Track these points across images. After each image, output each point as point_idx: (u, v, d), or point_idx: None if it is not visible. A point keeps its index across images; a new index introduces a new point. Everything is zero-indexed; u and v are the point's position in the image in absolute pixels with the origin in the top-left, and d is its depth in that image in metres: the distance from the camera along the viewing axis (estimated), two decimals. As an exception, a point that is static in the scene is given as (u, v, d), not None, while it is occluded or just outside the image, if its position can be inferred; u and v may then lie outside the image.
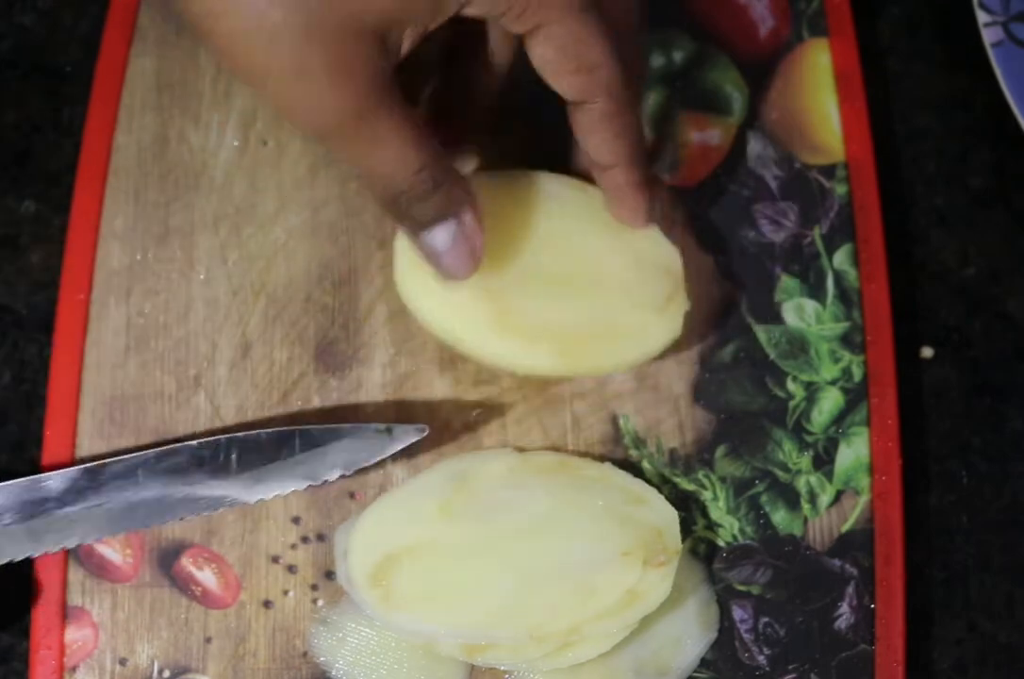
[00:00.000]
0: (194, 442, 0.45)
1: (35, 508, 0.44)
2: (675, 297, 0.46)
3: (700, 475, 0.48)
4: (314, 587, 0.47)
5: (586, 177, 0.46)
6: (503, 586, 0.44)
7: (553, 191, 0.46)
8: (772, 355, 0.49)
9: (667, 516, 0.45)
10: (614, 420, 0.48)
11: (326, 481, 0.45)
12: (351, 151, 0.38)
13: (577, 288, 0.46)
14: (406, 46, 0.36)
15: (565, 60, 0.37)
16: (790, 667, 0.46)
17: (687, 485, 0.48)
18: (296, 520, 0.47)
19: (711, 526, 0.48)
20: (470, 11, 0.36)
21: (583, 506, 0.45)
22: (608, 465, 0.47)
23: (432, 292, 0.46)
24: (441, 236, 0.40)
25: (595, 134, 0.40)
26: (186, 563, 0.47)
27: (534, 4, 0.35)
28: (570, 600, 0.44)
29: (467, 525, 0.45)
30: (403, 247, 0.47)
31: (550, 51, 0.37)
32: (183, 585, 0.47)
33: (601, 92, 0.38)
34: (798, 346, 0.49)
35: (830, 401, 0.49)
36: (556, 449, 0.48)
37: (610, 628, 0.44)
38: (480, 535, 0.45)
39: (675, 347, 0.47)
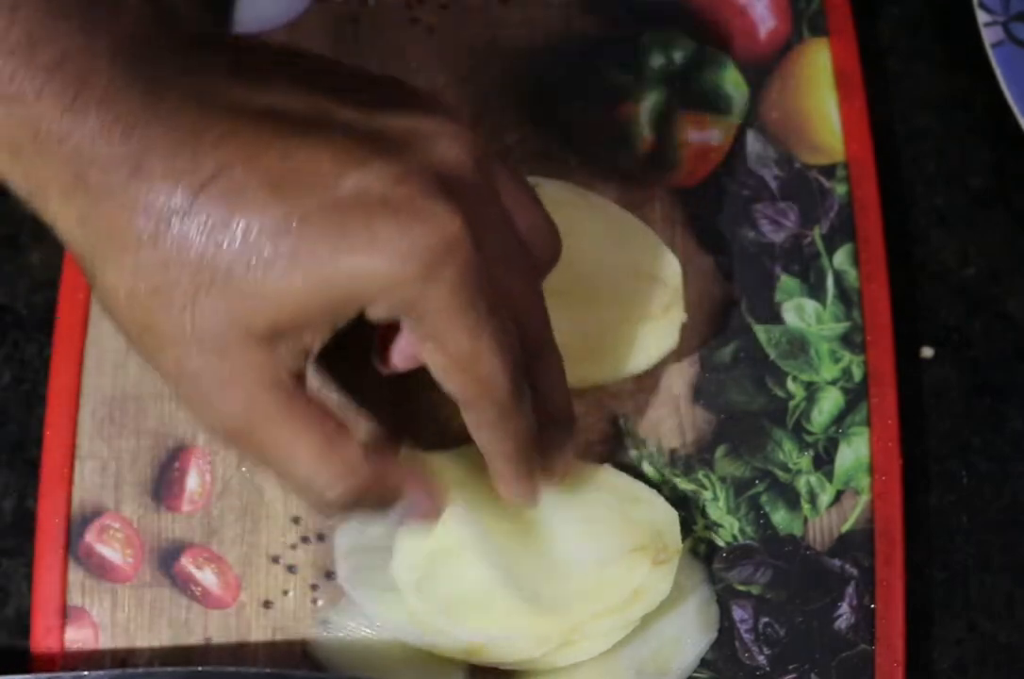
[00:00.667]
0: None
1: None
2: (672, 308, 0.46)
3: (700, 475, 0.48)
4: (314, 587, 0.47)
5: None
6: (507, 587, 0.44)
7: (553, 197, 0.46)
8: (772, 355, 0.49)
9: (667, 516, 0.45)
10: (614, 420, 0.48)
11: None
12: (258, 460, 0.36)
13: (574, 298, 0.46)
14: (315, 345, 0.35)
15: (455, 371, 0.36)
16: (790, 667, 0.46)
17: (687, 485, 0.48)
18: (296, 520, 0.47)
19: (711, 526, 0.48)
20: (371, 314, 0.34)
21: (582, 506, 0.45)
22: (607, 465, 0.47)
23: None
24: (383, 523, 0.40)
25: (481, 432, 0.39)
26: (186, 563, 0.47)
27: (428, 314, 0.34)
28: (570, 600, 0.44)
29: (473, 528, 0.45)
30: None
31: (441, 361, 0.36)
32: (183, 585, 0.47)
33: (488, 401, 0.37)
34: (798, 346, 0.49)
35: (830, 401, 0.49)
36: (556, 449, 0.48)
37: (610, 627, 0.44)
38: (484, 537, 0.45)
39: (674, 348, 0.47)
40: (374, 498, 0.38)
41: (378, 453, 0.40)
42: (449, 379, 0.36)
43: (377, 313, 0.34)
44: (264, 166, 0.33)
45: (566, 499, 0.46)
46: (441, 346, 0.35)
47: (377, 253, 0.33)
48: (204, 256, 0.33)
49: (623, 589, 0.44)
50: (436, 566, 0.44)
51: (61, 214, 0.34)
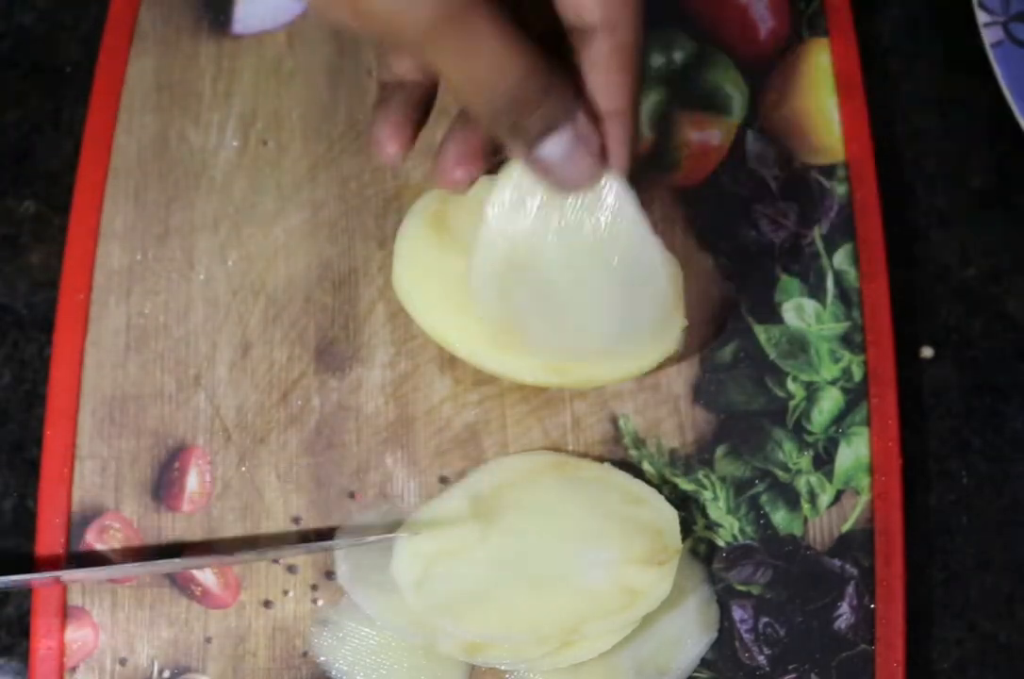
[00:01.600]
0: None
1: None
2: (673, 314, 0.46)
3: (700, 475, 0.48)
4: (314, 587, 0.47)
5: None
6: (507, 587, 0.44)
7: (554, 201, 0.46)
8: (772, 355, 0.49)
9: (667, 516, 0.45)
10: (614, 420, 0.48)
11: None
12: (447, 61, 0.35)
13: (575, 300, 0.46)
14: None
15: None
16: (790, 667, 0.46)
17: (687, 485, 0.48)
18: (296, 520, 0.47)
19: (711, 526, 0.48)
20: None
21: (583, 506, 0.46)
22: (607, 465, 0.47)
23: (429, 300, 0.46)
24: (557, 146, 0.37)
25: (609, 71, 0.37)
26: (186, 563, 0.47)
27: None
28: (571, 600, 0.44)
29: (476, 528, 0.45)
30: (403, 249, 0.48)
31: None
32: (183, 585, 0.47)
33: (629, 20, 0.36)
34: (798, 346, 0.49)
35: (830, 401, 0.49)
36: (556, 449, 0.48)
37: (610, 627, 0.44)
38: (485, 537, 0.45)
39: (675, 347, 0.47)
40: (551, 107, 0.36)
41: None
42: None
43: None
44: None
45: (566, 498, 0.46)
46: None
47: None
48: None
49: (623, 589, 0.44)
50: (436, 566, 0.45)
51: None
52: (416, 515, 0.47)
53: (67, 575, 0.45)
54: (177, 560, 0.46)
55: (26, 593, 0.47)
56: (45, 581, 0.46)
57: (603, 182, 0.39)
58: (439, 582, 0.44)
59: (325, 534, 0.47)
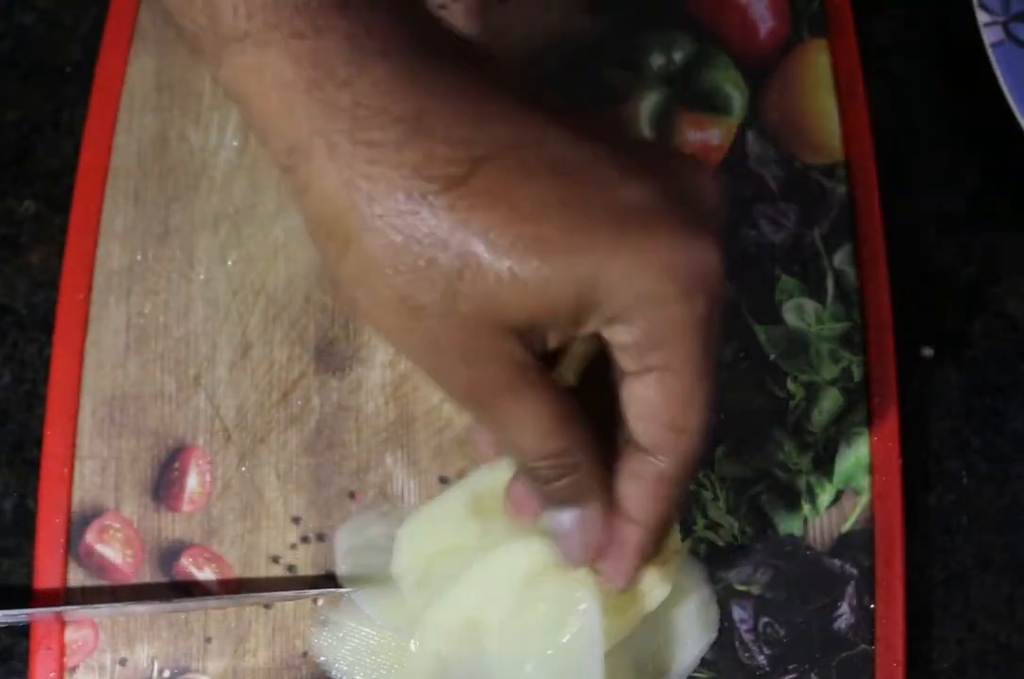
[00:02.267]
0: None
1: None
2: None
3: (700, 475, 0.48)
4: (314, 587, 0.47)
5: None
6: (505, 589, 0.44)
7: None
8: (772, 355, 0.49)
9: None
10: (614, 420, 0.48)
11: None
12: (485, 422, 0.36)
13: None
14: (551, 343, 0.34)
15: (663, 411, 0.34)
16: (790, 667, 0.46)
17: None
18: (296, 520, 0.47)
19: (711, 526, 0.48)
20: (606, 334, 0.34)
21: None
22: None
23: None
24: (564, 519, 0.37)
25: (638, 486, 0.36)
26: (186, 563, 0.47)
27: (667, 341, 0.33)
28: (563, 599, 0.44)
29: (476, 527, 0.45)
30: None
31: (654, 397, 0.34)
32: (183, 585, 0.47)
33: (673, 455, 0.35)
34: (798, 346, 0.49)
35: (830, 401, 0.49)
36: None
37: (610, 629, 0.44)
38: (485, 536, 0.45)
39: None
40: (569, 487, 0.36)
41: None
42: (647, 418, 0.35)
43: (613, 335, 0.34)
44: (548, 152, 0.32)
45: None
46: (661, 379, 0.34)
47: (646, 261, 0.32)
48: (477, 232, 0.32)
49: (623, 589, 0.44)
50: (436, 566, 0.44)
51: (326, 170, 0.32)
52: (415, 515, 0.46)
53: (68, 611, 0.46)
54: (182, 602, 0.46)
55: (26, 592, 0.47)
56: (45, 616, 0.46)
57: (579, 596, 0.40)
58: (440, 582, 0.44)
59: (325, 534, 0.47)
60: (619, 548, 0.38)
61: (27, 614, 0.45)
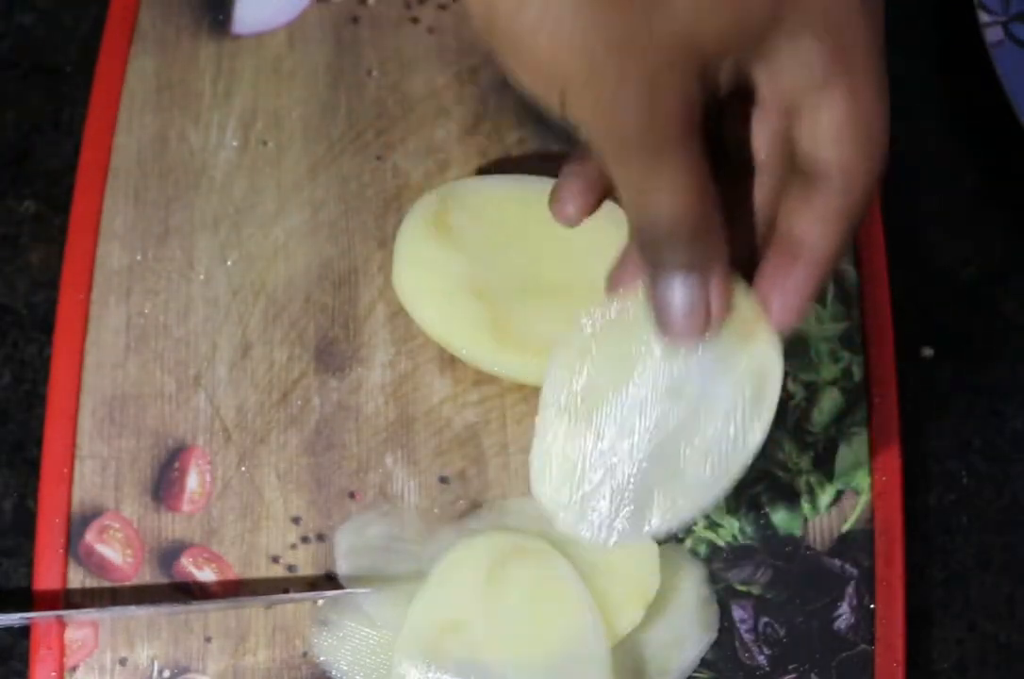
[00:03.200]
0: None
1: None
2: None
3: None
4: (314, 587, 0.47)
5: None
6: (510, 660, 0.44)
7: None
8: (772, 355, 0.49)
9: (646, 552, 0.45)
10: (614, 420, 0.48)
11: None
12: (630, 177, 0.34)
13: (575, 300, 0.46)
14: (723, 85, 0.34)
15: (861, 126, 0.34)
16: (790, 667, 0.46)
17: (687, 485, 0.48)
18: (296, 520, 0.47)
19: (711, 526, 0.48)
20: (789, 52, 0.33)
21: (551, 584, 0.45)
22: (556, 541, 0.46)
23: (429, 300, 0.46)
24: (678, 288, 0.36)
25: (826, 223, 0.35)
26: (186, 563, 0.47)
27: (853, 64, 0.33)
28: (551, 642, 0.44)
29: (484, 602, 0.45)
30: (403, 249, 0.48)
31: (848, 113, 0.33)
32: (183, 585, 0.47)
33: (869, 178, 0.34)
34: (798, 346, 0.49)
35: (830, 401, 0.49)
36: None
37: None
38: (491, 614, 0.45)
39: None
40: (696, 250, 0.35)
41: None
42: (841, 139, 0.34)
43: (800, 48, 0.33)
44: None
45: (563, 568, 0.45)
46: (853, 94, 0.33)
47: None
48: None
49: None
50: (445, 636, 0.44)
51: None
52: (433, 572, 0.46)
53: (67, 614, 0.46)
54: (182, 606, 0.46)
55: (26, 592, 0.47)
56: (46, 620, 0.46)
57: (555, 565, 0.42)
58: (450, 653, 0.44)
59: (325, 534, 0.47)
60: (793, 284, 0.36)
61: (27, 618, 0.45)
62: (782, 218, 0.36)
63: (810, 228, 0.35)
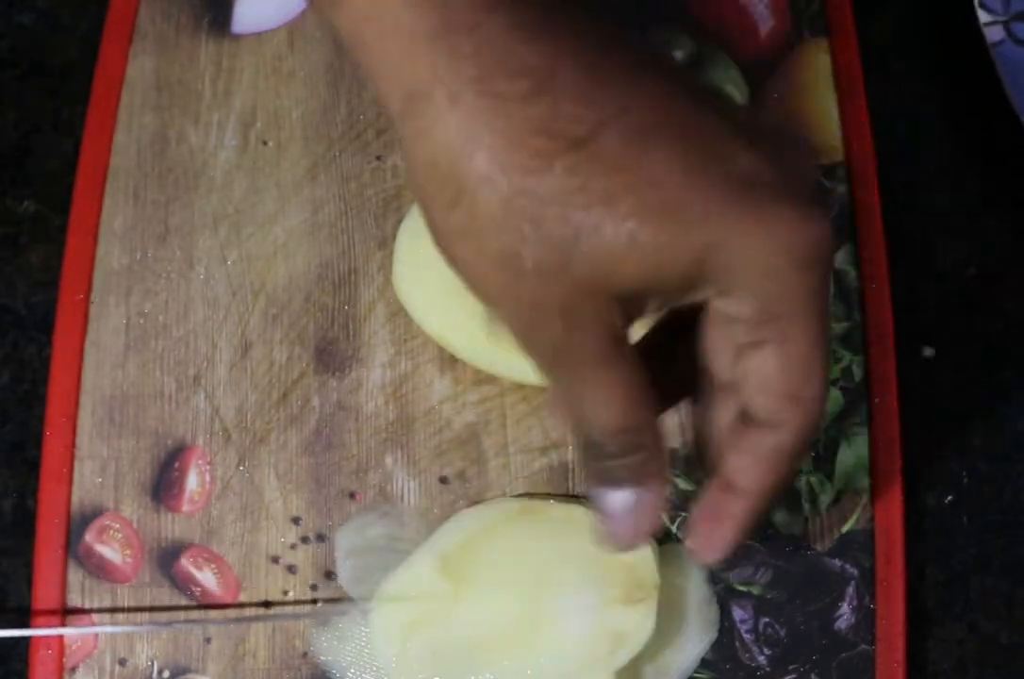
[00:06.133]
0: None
1: None
2: None
3: (700, 475, 0.48)
4: (314, 587, 0.47)
5: None
6: (490, 648, 0.44)
7: None
8: (772, 355, 0.49)
9: (640, 550, 0.45)
10: (614, 420, 0.48)
11: None
12: (564, 390, 0.35)
13: None
14: (648, 311, 0.34)
15: (784, 383, 0.33)
16: (790, 667, 0.46)
17: (687, 485, 0.48)
18: (296, 520, 0.47)
19: (711, 526, 0.47)
20: (718, 304, 0.33)
21: (553, 552, 0.45)
22: (574, 504, 0.46)
23: (429, 300, 0.46)
24: (617, 500, 0.36)
25: (754, 459, 0.35)
26: (186, 563, 0.47)
27: (783, 313, 0.33)
28: (557, 652, 0.44)
29: (448, 590, 0.45)
30: (403, 249, 0.48)
31: (773, 368, 0.33)
32: (183, 585, 0.47)
33: (794, 425, 0.34)
34: (798, 346, 0.49)
35: (830, 401, 0.49)
36: (556, 448, 0.48)
37: (599, 675, 0.44)
38: (460, 599, 0.45)
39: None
40: (632, 466, 0.35)
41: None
42: (765, 392, 0.34)
43: (727, 305, 0.33)
44: (673, 115, 0.31)
45: (535, 546, 0.45)
46: (780, 350, 0.33)
47: (769, 234, 0.31)
48: (599, 196, 0.31)
49: (607, 634, 0.44)
50: (415, 635, 0.44)
51: (447, 119, 0.31)
52: (386, 584, 0.46)
53: (68, 632, 0.46)
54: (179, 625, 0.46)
55: (26, 593, 0.47)
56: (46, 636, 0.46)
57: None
58: (420, 651, 0.44)
59: (325, 534, 0.47)
60: (723, 520, 0.37)
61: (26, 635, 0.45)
62: (722, 447, 0.36)
63: (739, 462, 0.35)
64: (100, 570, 0.47)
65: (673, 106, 0.32)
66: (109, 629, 0.46)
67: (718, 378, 0.35)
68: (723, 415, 0.36)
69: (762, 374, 0.34)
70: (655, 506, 0.36)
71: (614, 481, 0.36)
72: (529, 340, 0.34)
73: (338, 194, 0.51)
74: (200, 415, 0.48)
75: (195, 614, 0.46)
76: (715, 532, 0.37)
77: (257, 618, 0.46)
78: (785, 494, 0.48)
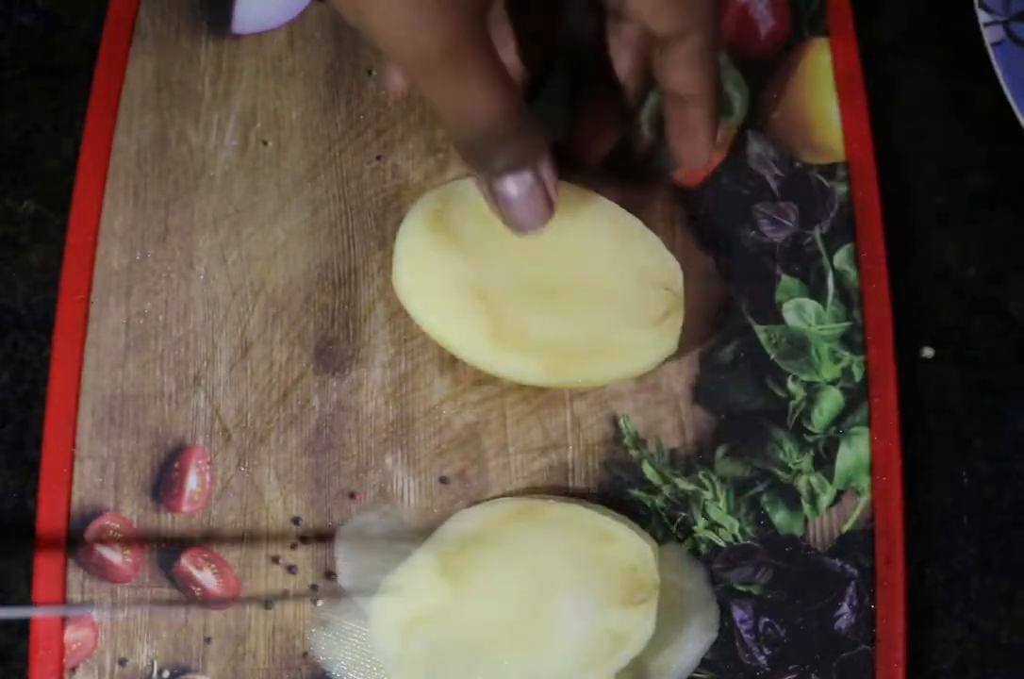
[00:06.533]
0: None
1: None
2: (673, 314, 0.46)
3: (700, 475, 0.48)
4: (314, 587, 0.47)
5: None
6: (490, 647, 0.44)
7: (559, 199, 0.46)
8: (772, 355, 0.49)
9: (639, 550, 0.45)
10: (614, 420, 0.48)
11: None
12: (441, 88, 0.38)
13: (575, 301, 0.46)
14: None
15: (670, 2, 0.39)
16: (790, 667, 0.46)
17: (687, 485, 0.48)
18: (296, 520, 0.47)
19: (711, 526, 0.48)
20: None
21: (553, 553, 0.45)
22: (574, 504, 0.46)
23: (429, 300, 0.46)
24: (515, 185, 0.41)
25: (683, 69, 0.42)
26: (186, 563, 0.47)
27: None
28: (557, 653, 0.44)
29: (448, 589, 0.45)
30: (403, 249, 0.48)
31: None
32: (183, 585, 0.47)
33: (698, 26, 0.40)
34: (798, 346, 0.49)
35: (830, 401, 0.49)
36: (556, 448, 0.48)
37: (600, 676, 0.44)
38: (459, 598, 0.45)
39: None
40: (520, 147, 0.40)
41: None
42: (661, 8, 0.40)
43: None
44: None
45: (535, 546, 0.45)
46: None
47: None
48: None
49: (607, 635, 0.44)
50: (415, 634, 0.44)
51: None
52: (386, 584, 0.46)
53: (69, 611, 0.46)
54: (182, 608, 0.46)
55: (26, 593, 0.47)
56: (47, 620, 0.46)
57: None
58: (420, 650, 0.44)
59: (325, 534, 0.47)
60: (693, 129, 0.44)
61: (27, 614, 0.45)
62: (661, 80, 0.43)
63: (677, 77, 0.42)
64: (100, 570, 0.47)
65: None
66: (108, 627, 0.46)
67: (612, 9, 0.42)
68: (625, 53, 0.43)
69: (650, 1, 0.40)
70: (549, 183, 0.41)
71: (506, 169, 0.40)
72: (407, 44, 0.36)
73: (338, 194, 0.51)
74: (200, 415, 0.48)
75: (195, 614, 0.46)
76: (692, 140, 0.44)
77: (257, 618, 0.46)
78: (787, 497, 0.48)
